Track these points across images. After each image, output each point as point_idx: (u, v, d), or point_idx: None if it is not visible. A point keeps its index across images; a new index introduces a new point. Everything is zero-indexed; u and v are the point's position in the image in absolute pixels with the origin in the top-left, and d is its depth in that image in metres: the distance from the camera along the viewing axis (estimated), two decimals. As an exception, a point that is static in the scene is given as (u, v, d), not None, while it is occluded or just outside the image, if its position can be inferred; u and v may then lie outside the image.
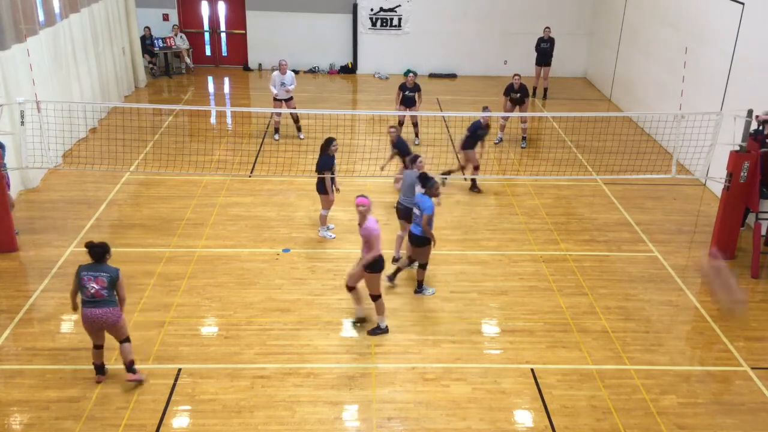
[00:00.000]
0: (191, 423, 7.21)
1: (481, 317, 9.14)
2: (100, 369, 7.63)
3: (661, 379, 8.07)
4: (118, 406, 7.34)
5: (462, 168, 12.76)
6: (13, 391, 7.53)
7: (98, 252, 7.24)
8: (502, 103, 15.14)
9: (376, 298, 8.54)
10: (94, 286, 7.13)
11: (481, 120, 12.24)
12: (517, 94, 14.65)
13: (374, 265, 8.30)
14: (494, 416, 7.41)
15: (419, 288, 9.53)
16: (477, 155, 12.43)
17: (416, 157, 10.10)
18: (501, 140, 15.16)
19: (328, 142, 10.43)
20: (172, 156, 13.25)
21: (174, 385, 7.68)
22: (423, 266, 9.47)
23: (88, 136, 14.55)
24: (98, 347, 7.51)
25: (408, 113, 14.32)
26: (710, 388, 8.01)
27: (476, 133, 12.23)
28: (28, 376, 7.74)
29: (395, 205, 10.32)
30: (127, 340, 7.51)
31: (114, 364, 7.93)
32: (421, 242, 9.22)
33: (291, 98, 14.61)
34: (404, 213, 9.94)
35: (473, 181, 12.66)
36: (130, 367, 7.55)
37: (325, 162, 10.38)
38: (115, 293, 7.25)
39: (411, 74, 14.54)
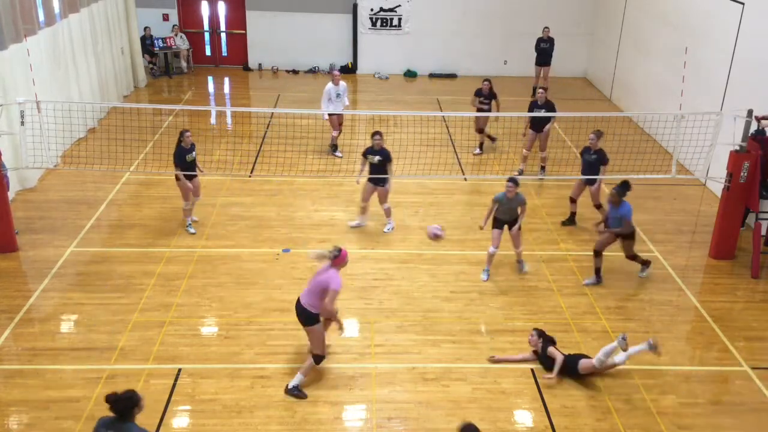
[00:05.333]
0: (191, 423, 7.21)
1: (481, 317, 9.14)
2: None
3: (661, 379, 8.07)
4: (118, 406, 7.33)
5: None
6: (13, 391, 7.53)
7: (121, 407, 5.25)
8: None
9: None
10: None
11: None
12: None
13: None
14: (494, 416, 7.41)
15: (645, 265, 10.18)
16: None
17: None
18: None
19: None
20: (172, 156, 13.20)
21: (174, 385, 7.68)
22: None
23: (88, 136, 14.55)
24: None
25: (481, 114, 14.06)
26: (710, 388, 8.01)
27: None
28: (28, 376, 7.74)
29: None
30: None
31: (114, 364, 7.94)
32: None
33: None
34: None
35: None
36: None
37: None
38: None
39: (486, 82, 14.05)
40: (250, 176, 13.13)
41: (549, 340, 8.20)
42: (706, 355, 8.60)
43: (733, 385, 8.09)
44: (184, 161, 10.71)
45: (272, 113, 16.16)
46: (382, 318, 9.01)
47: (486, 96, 14.10)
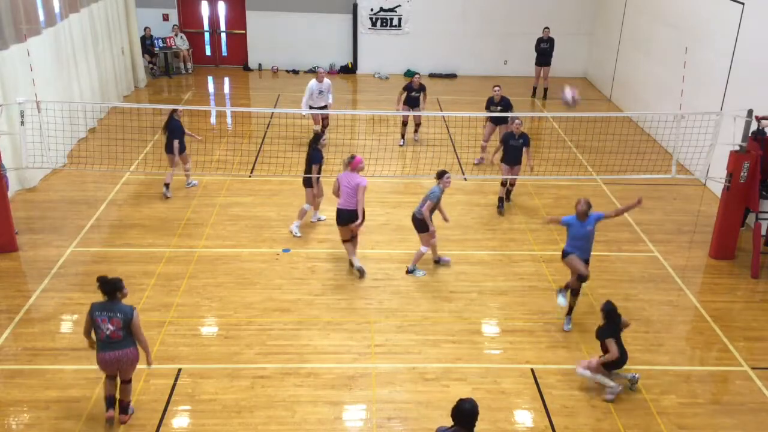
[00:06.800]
0: (191, 423, 7.21)
1: (481, 317, 9.14)
2: (111, 402, 7.03)
3: (661, 379, 8.07)
4: (118, 406, 7.34)
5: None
6: (13, 391, 7.53)
7: (108, 288, 6.67)
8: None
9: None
10: (110, 327, 6.61)
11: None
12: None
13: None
14: (494, 416, 7.42)
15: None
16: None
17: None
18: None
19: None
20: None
21: (174, 385, 7.68)
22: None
23: (88, 136, 14.55)
24: (112, 377, 6.98)
25: (412, 113, 14.47)
26: (710, 388, 8.01)
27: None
28: (28, 376, 7.74)
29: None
30: (131, 381, 7.05)
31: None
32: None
33: (325, 106, 14.00)
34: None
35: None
36: (126, 406, 7.10)
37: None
38: (131, 334, 6.72)
39: (417, 75, 14.61)
40: (250, 176, 13.13)
41: (606, 329, 7.61)
42: (706, 355, 8.60)
43: (733, 385, 8.09)
44: (182, 132, 11.76)
45: (272, 113, 16.17)
46: (382, 318, 9.02)
47: (416, 90, 14.42)
